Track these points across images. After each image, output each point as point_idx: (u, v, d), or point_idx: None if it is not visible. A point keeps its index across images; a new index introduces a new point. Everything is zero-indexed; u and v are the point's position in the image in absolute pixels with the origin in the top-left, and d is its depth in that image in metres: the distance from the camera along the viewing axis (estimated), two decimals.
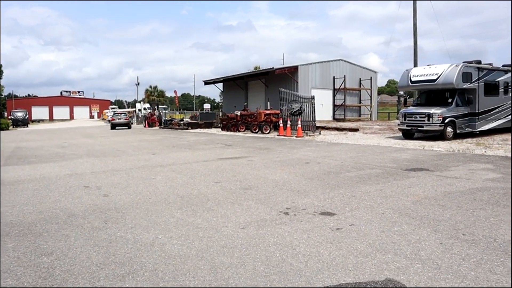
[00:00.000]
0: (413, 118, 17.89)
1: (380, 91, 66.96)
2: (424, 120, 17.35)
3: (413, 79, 18.71)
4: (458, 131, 17.62)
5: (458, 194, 6.97)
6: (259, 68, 54.52)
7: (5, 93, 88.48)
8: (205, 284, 3.57)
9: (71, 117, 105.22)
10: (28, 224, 5.57)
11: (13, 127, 55.85)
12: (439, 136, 17.44)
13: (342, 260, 4.05)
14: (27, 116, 65.28)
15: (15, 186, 8.57)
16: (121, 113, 47.33)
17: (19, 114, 62.68)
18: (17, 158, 14.20)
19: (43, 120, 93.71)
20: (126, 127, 41.04)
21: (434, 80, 17.69)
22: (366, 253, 4.23)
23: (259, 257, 4.16)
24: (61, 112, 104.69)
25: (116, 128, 40.35)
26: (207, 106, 67.39)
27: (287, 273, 3.77)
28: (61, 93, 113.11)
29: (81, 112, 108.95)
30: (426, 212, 5.84)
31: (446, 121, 17.06)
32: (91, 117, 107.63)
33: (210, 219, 5.64)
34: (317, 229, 5.08)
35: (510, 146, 14.38)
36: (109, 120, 54.85)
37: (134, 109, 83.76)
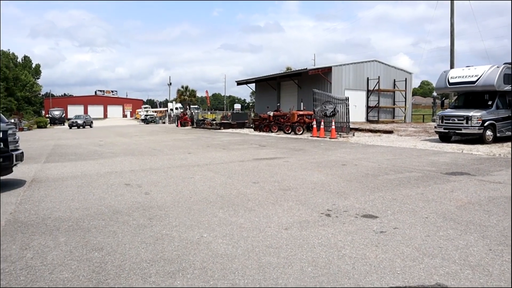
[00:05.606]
0: (451, 121, 17.45)
1: (413, 93, 65.65)
2: (462, 123, 16.91)
3: (451, 80, 18.28)
4: (498, 134, 17.08)
5: (504, 199, 6.78)
6: (291, 69, 54.30)
7: (42, 92, 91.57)
8: (255, 283, 3.61)
9: (105, 116, 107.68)
10: (76, 220, 5.76)
11: (51, 125, 57.64)
12: (478, 139, 16.97)
13: (389, 264, 4.02)
14: (64, 114, 67.40)
15: (59, 183, 8.86)
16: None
17: (56, 112, 64.83)
18: (58, 156, 14.65)
19: None
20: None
21: (473, 82, 17.24)
22: (413, 257, 4.18)
23: (305, 258, 4.17)
24: (95, 111, 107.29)
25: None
26: (237, 106, 67.92)
27: (335, 274, 3.77)
28: (95, 92, 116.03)
29: (114, 111, 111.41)
30: (471, 217, 5.72)
31: (485, 124, 16.58)
32: (124, 116, 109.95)
33: (252, 219, 5.69)
34: (361, 232, 5.06)
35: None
36: (142, 119, 61.83)
37: (166, 108, 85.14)
